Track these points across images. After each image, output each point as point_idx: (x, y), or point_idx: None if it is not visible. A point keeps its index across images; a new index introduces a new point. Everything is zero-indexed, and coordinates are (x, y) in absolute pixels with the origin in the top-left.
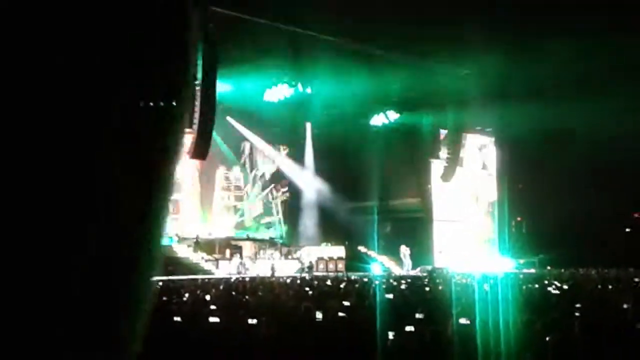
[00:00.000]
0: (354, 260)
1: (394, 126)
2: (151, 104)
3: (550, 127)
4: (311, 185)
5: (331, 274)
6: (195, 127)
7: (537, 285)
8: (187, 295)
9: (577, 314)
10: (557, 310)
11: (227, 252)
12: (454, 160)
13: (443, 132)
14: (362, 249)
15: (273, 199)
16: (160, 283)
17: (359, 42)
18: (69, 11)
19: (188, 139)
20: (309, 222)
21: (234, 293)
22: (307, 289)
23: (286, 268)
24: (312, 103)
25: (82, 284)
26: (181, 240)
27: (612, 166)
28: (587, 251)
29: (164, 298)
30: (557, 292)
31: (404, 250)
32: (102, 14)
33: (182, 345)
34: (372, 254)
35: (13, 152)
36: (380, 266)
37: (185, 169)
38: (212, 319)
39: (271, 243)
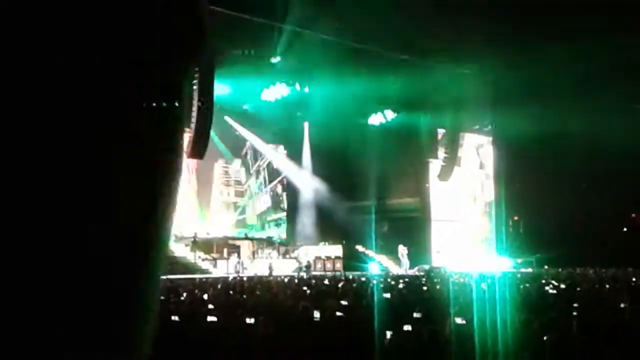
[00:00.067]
0: (352, 260)
1: (392, 126)
2: (152, 104)
3: (547, 127)
4: (309, 184)
5: (329, 274)
6: (192, 126)
7: (534, 285)
8: (184, 294)
9: (574, 313)
10: (555, 309)
11: (225, 251)
12: (451, 159)
13: (441, 132)
14: (359, 248)
15: (280, 194)
16: None
17: (356, 41)
18: (68, 11)
19: (185, 138)
20: (306, 221)
21: (231, 292)
22: (304, 288)
23: (284, 267)
24: (309, 102)
25: (87, 285)
26: (178, 239)
27: (610, 166)
28: (586, 251)
29: (162, 297)
30: (554, 291)
31: (402, 250)
32: (101, 13)
33: (179, 345)
34: (370, 253)
35: (13, 152)
36: (378, 265)
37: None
38: (210, 318)
39: (269, 242)
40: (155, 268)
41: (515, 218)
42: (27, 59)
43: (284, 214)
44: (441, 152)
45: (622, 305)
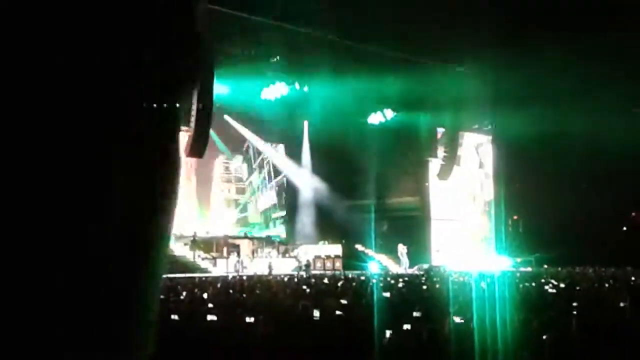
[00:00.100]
0: (351, 259)
1: (391, 125)
2: (152, 104)
3: (547, 126)
4: (308, 183)
5: (328, 273)
6: (192, 125)
7: (534, 284)
8: (184, 293)
9: (573, 312)
10: (554, 308)
11: (225, 250)
12: (451, 159)
13: (440, 131)
14: (359, 247)
15: (284, 190)
16: None
17: (356, 40)
18: (68, 11)
19: (185, 137)
20: (306, 220)
21: (231, 291)
22: (304, 287)
23: (283, 266)
24: (309, 101)
25: (87, 285)
26: (178, 238)
27: (610, 166)
28: (585, 250)
29: (161, 296)
30: (553, 290)
31: (402, 249)
32: (101, 13)
33: (179, 344)
34: (370, 252)
35: (13, 152)
36: (378, 264)
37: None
38: (210, 317)
39: (268, 241)
40: (156, 268)
41: (515, 217)
42: (27, 59)
43: (284, 212)
44: (441, 151)
45: (621, 305)
